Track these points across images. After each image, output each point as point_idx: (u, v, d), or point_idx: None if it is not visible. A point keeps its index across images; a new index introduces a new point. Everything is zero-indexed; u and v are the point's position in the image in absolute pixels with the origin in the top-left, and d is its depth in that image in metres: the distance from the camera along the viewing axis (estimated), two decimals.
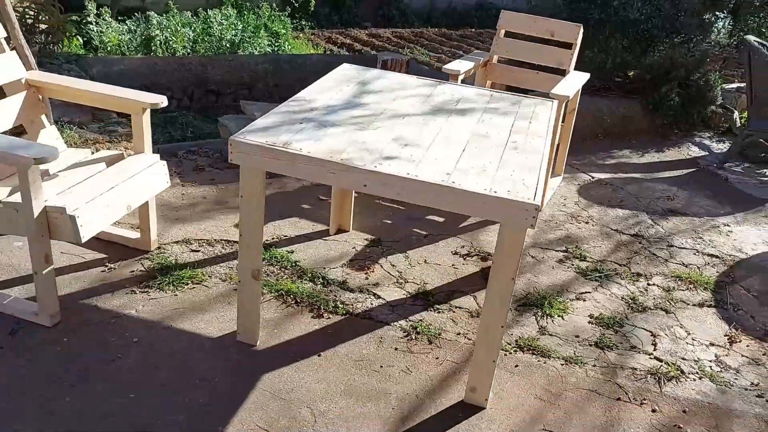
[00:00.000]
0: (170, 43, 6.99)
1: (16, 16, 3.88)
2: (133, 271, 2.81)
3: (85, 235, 2.25)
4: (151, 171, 2.64)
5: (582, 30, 4.09)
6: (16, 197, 2.30)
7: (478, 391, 2.26)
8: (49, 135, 2.75)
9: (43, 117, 2.74)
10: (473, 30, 11.19)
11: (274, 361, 2.40)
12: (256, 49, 7.74)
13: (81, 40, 6.23)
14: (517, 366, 2.51)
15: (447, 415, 2.24)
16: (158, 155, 2.72)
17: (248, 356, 2.41)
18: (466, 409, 2.27)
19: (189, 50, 7.19)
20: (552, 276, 3.18)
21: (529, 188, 1.95)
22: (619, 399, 2.41)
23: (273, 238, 3.22)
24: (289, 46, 8.36)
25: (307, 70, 7.18)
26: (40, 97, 2.72)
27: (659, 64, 5.80)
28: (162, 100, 2.64)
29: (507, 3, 12.22)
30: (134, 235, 2.94)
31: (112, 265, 2.82)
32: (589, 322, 2.84)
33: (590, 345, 2.70)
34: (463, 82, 3.75)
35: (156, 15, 7.17)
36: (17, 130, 2.72)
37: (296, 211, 3.51)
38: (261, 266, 2.33)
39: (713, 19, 6.39)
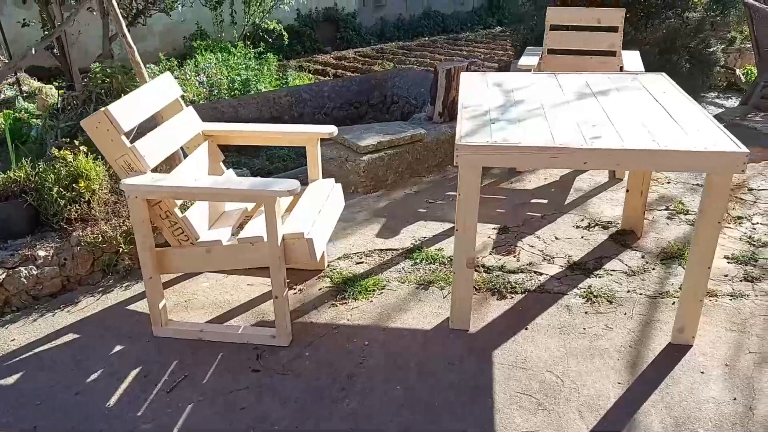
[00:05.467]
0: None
1: (100, 79, 4.07)
2: (321, 288, 3.02)
3: (318, 254, 2.47)
4: (335, 193, 2.87)
5: (624, 13, 4.49)
6: (247, 233, 2.51)
7: (685, 331, 2.56)
8: (231, 178, 2.95)
9: (221, 164, 2.94)
10: (426, 38, 11.69)
11: (493, 340, 2.65)
12: (263, 85, 7.96)
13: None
14: None
15: (665, 357, 2.53)
16: (333, 179, 2.95)
17: (470, 340, 2.65)
18: (677, 349, 2.57)
19: (207, 96, 7.35)
20: (672, 231, 3.51)
21: (730, 141, 2.27)
22: None
23: (416, 241, 3.46)
24: (292, 78, 8.60)
25: (324, 97, 7.45)
26: (216, 145, 2.92)
27: (664, 37, 6.27)
28: (334, 130, 2.87)
29: (450, 8, 12.80)
30: None
31: (299, 287, 3.03)
32: (728, 262, 3.18)
33: (740, 280, 3.03)
34: None
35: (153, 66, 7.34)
36: None
37: (417, 216, 3.76)
38: (474, 255, 2.58)
39: None
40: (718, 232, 2.36)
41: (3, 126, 4.70)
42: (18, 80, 6.79)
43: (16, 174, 2.96)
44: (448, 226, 3.64)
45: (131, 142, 2.43)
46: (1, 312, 2.85)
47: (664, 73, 3.23)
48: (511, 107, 2.74)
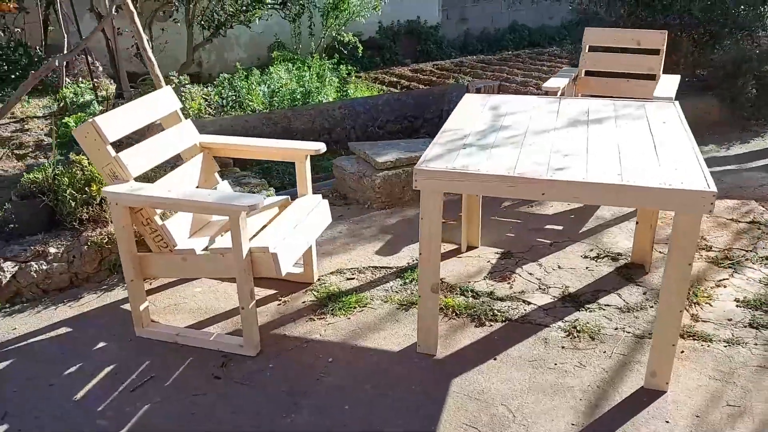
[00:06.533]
0: (246, 101, 7.43)
1: (147, 88, 4.30)
2: (305, 301, 3.08)
3: (284, 269, 2.53)
4: (319, 209, 2.92)
5: (666, 36, 4.29)
6: (220, 244, 2.61)
7: (658, 376, 2.42)
8: (224, 189, 3.07)
9: (216, 174, 3.06)
10: (510, 52, 11.48)
11: (457, 367, 2.61)
12: (324, 97, 8.14)
13: None
14: (683, 351, 2.66)
15: (632, 401, 2.40)
16: (320, 195, 3.01)
17: (433, 365, 2.62)
18: (648, 394, 2.43)
19: (267, 106, 7.62)
20: None
21: (702, 178, 2.14)
22: None
23: (413, 261, 3.46)
24: (353, 90, 8.75)
25: (378, 110, 7.50)
26: (212, 157, 3.06)
27: (731, 59, 5.92)
28: (321, 147, 2.93)
29: (537, 23, 12.52)
30: (298, 270, 3.22)
31: (284, 299, 3.10)
32: (737, 306, 2.97)
33: (744, 326, 2.82)
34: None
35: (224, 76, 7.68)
36: None
37: None
38: (439, 281, 2.56)
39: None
40: (689, 275, 2.22)
41: (72, 129, 5.11)
42: (95, 85, 7.31)
43: (35, 175, 3.21)
44: (450, 246, 3.60)
45: None
46: (12, 302, 3.09)
47: (677, 101, 3.07)
48: (492, 133, 2.70)
